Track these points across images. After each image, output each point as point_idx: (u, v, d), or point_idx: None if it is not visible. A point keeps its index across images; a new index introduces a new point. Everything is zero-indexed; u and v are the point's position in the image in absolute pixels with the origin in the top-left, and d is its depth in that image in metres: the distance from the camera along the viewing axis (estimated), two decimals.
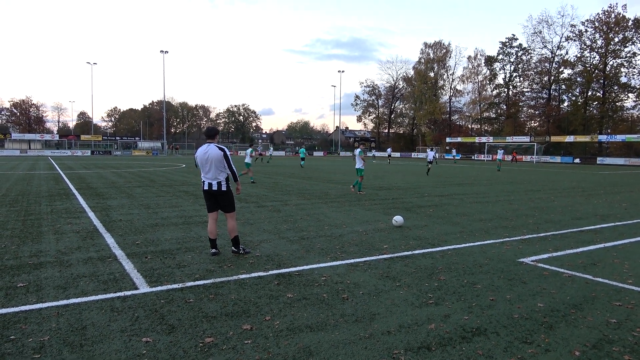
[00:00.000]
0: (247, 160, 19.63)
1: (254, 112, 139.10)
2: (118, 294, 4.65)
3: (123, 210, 10.41)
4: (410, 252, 6.61)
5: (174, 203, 11.84)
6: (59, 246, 6.75)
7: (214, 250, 6.36)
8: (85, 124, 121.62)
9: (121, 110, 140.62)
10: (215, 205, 6.37)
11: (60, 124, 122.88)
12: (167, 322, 3.92)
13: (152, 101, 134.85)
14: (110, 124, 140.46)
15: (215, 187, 6.20)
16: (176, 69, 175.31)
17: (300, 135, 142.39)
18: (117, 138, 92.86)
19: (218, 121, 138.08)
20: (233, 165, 6.28)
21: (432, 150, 33.34)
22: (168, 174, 23.73)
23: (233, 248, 6.45)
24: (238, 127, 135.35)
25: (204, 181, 6.29)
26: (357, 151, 15.20)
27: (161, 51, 76.43)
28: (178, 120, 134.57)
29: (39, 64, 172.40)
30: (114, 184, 17.27)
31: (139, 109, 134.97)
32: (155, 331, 3.74)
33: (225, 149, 6.26)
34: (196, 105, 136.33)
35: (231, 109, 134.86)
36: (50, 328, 3.77)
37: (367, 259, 6.22)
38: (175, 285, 4.94)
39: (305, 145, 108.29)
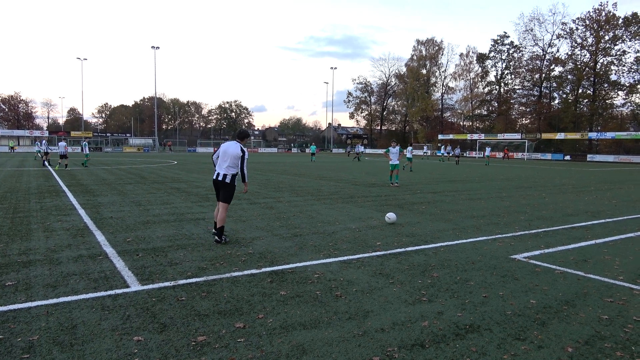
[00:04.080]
0: (409, 155, 26.47)
1: (246, 109, 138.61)
2: (109, 292, 4.59)
3: (114, 208, 10.31)
4: (403, 249, 6.62)
5: (166, 200, 11.76)
6: (48, 244, 6.66)
7: (215, 231, 6.88)
8: (75, 120, 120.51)
9: (112, 107, 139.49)
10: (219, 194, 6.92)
11: (49, 120, 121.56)
12: (158, 321, 3.88)
13: (143, 97, 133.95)
14: (100, 120, 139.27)
15: (220, 178, 6.82)
16: (168, 65, 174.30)
17: (293, 132, 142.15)
18: (108, 134, 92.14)
19: (210, 117, 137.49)
20: (246, 168, 6.85)
21: (457, 147, 41.69)
22: (159, 171, 23.58)
23: (216, 237, 6.85)
24: (230, 124, 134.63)
25: (216, 172, 6.88)
26: (399, 149, 17.41)
27: (152, 47, 75.90)
28: (169, 116, 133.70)
29: (28, 59, 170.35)
30: (104, 181, 17.12)
31: (130, 105, 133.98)
32: (146, 330, 3.69)
33: (245, 151, 6.83)
34: (188, 102, 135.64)
35: (223, 106, 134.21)
36: (39, 327, 3.72)
37: (360, 256, 6.21)
38: (167, 283, 4.89)
39: (298, 142, 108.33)
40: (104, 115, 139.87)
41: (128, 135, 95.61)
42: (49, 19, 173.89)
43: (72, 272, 5.27)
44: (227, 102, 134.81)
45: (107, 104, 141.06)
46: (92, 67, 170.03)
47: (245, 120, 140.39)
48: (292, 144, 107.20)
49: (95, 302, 4.29)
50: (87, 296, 4.46)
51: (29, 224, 8.25)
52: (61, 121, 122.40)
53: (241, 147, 6.79)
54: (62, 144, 25.35)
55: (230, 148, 6.78)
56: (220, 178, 6.80)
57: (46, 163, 26.61)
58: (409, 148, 27.75)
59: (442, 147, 44.62)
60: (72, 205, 10.70)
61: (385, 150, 17.71)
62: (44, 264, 5.57)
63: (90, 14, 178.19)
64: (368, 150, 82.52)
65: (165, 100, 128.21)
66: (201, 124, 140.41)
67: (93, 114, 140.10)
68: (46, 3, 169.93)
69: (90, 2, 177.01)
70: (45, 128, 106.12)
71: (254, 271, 5.41)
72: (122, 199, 11.93)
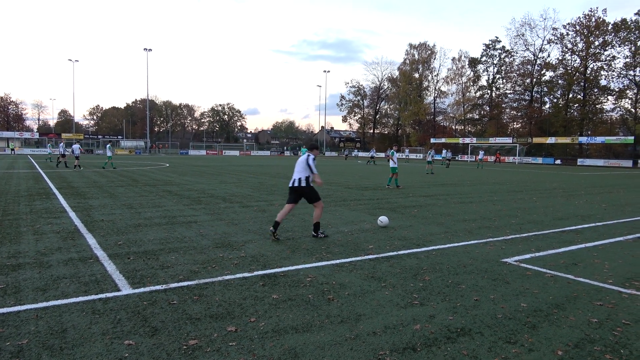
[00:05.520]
0: (429, 159, 29.15)
1: (239, 112, 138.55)
2: (100, 295, 4.56)
3: (105, 210, 10.24)
4: (395, 253, 6.63)
5: (157, 203, 11.69)
6: (38, 247, 6.60)
7: (273, 229, 7.38)
8: (66, 122, 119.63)
9: (103, 109, 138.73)
10: (297, 198, 7.69)
11: (40, 122, 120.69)
12: (150, 325, 3.86)
13: (136, 99, 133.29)
14: (92, 122, 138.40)
15: (295, 184, 7.68)
16: (160, 67, 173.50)
17: (286, 135, 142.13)
18: (99, 137, 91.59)
19: (202, 120, 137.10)
20: (313, 165, 7.65)
21: (448, 151, 45.53)
22: (151, 174, 23.45)
23: (313, 232, 7.66)
24: (223, 127, 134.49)
25: (292, 179, 7.77)
26: (392, 152, 18.02)
27: (145, 49, 75.62)
28: (162, 119, 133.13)
29: (18, 60, 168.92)
30: (95, 184, 16.99)
31: (122, 108, 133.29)
32: (137, 334, 3.67)
33: (311, 157, 7.75)
34: (180, 104, 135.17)
35: (216, 108, 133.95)
36: (29, 331, 3.68)
37: (353, 259, 6.22)
38: (158, 287, 4.86)
39: (291, 145, 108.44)
40: (95, 117, 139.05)
41: (120, 137, 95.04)
42: (40, 20, 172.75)
43: (63, 275, 5.22)
44: (220, 105, 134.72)
45: (98, 105, 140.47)
46: (83, 69, 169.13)
47: (238, 123, 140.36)
48: (285, 147, 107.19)
49: (86, 306, 4.26)
50: (77, 300, 4.42)
51: (19, 226, 8.17)
52: (52, 123, 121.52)
53: (308, 154, 7.84)
54: (77, 146, 27.23)
55: (301, 157, 7.85)
56: (295, 184, 7.67)
57: (63, 165, 28.08)
58: (431, 152, 30.26)
59: (445, 151, 45.09)
60: (62, 207, 10.61)
61: (390, 153, 18.16)
62: (34, 267, 5.52)
63: (82, 15, 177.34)
64: (360, 154, 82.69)
65: (157, 102, 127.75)
66: (194, 126, 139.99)
67: (84, 115, 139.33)
68: (37, 4, 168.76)
69: (82, 3, 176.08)
70: (35, 130, 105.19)
71: (246, 274, 5.39)
72: (113, 201, 11.85)
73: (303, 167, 7.68)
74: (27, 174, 21.57)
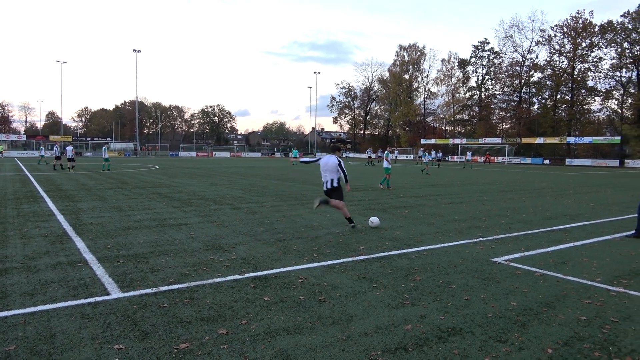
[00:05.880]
0: (425, 160, 30.41)
1: (229, 113, 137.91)
2: (89, 299, 4.51)
3: (94, 213, 10.14)
4: (386, 253, 6.65)
5: (147, 205, 11.61)
6: (26, 251, 6.51)
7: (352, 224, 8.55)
8: (54, 124, 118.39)
9: (92, 110, 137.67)
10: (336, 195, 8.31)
11: (27, 124, 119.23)
12: (140, 328, 3.82)
13: (125, 101, 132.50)
14: (80, 124, 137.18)
15: (326, 187, 8.45)
16: (149, 69, 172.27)
17: (276, 136, 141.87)
18: (88, 139, 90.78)
19: (192, 122, 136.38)
20: (345, 170, 8.39)
21: (439, 151, 46.34)
22: (140, 176, 23.28)
23: (350, 223, 8.52)
24: (213, 128, 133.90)
25: (325, 183, 8.49)
26: (387, 153, 18.90)
27: (134, 50, 75.09)
28: (151, 120, 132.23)
29: (4, 61, 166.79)
30: (84, 186, 16.82)
31: (111, 109, 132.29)
32: (127, 338, 3.64)
33: (340, 160, 8.39)
34: (170, 106, 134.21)
35: (206, 110, 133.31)
36: (16, 337, 3.63)
37: (344, 260, 6.22)
38: (148, 290, 4.82)
39: (282, 147, 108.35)
40: (83, 119, 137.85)
41: (109, 139, 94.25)
42: (27, 21, 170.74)
43: (51, 279, 5.16)
44: (210, 107, 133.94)
45: (87, 107, 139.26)
46: (71, 70, 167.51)
47: (229, 125, 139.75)
48: (275, 149, 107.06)
49: (75, 310, 4.21)
50: (66, 304, 4.37)
51: (5, 230, 8.06)
52: (39, 125, 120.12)
53: (336, 157, 8.38)
54: (70, 147, 27.72)
55: (330, 161, 8.38)
56: (328, 186, 8.40)
57: (59, 167, 28.75)
58: (421, 152, 31.25)
59: (435, 152, 45.31)
60: (50, 211, 10.48)
61: (385, 154, 18.99)
62: (21, 272, 5.44)
63: (70, 16, 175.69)
64: (352, 155, 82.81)
65: (146, 104, 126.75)
66: (184, 128, 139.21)
67: (72, 117, 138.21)
68: (24, 4, 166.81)
69: (69, 4, 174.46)
70: (22, 132, 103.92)
71: (237, 277, 5.37)
72: (102, 204, 11.74)
73: (333, 169, 8.32)
74: (14, 177, 21.29)
